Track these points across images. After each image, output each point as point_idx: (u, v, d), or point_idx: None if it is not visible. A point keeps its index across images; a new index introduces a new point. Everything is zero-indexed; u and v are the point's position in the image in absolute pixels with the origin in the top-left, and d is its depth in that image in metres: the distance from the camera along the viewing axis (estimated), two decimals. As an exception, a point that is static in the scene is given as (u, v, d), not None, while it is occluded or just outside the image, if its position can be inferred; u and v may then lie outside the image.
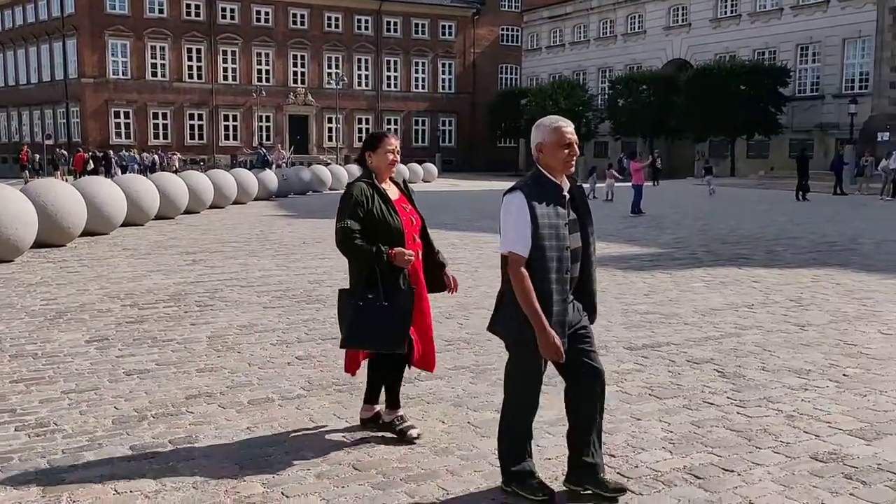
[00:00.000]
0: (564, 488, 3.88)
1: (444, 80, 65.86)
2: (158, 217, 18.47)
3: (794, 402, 5.31)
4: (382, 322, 4.36)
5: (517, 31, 67.92)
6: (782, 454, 4.40)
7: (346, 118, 60.42)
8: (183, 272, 10.91)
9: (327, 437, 4.69)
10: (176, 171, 31.05)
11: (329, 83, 58.39)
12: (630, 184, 22.55)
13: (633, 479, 4.07)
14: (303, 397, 5.42)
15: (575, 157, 3.65)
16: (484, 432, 4.72)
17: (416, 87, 64.74)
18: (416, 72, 64.59)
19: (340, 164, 42.31)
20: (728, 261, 12.08)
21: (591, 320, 3.85)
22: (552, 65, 64.17)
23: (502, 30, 67.32)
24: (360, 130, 62.25)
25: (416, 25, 63.74)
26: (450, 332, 7.29)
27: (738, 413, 5.10)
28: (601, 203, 25.56)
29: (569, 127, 3.69)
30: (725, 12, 51.15)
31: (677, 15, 54.35)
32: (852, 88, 43.68)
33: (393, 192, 4.64)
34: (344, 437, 4.68)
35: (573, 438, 3.85)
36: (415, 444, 4.53)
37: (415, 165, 44.19)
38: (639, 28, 57.20)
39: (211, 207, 22.45)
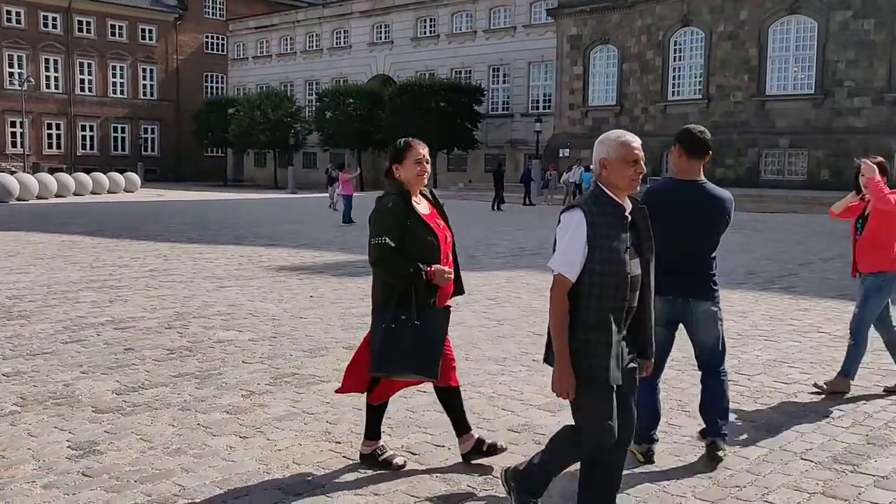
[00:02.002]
0: None
1: (145, 85, 63.06)
2: None
3: (493, 385, 6.04)
4: (415, 344, 4.06)
5: (223, 39, 66.68)
6: (484, 428, 5.03)
7: (32, 122, 55.68)
8: None
9: (49, 448, 4.60)
10: None
11: (12, 83, 53.53)
12: (340, 193, 23.26)
13: (358, 459, 4.48)
14: (17, 413, 5.23)
15: (642, 175, 3.37)
16: (214, 431, 4.90)
17: (115, 91, 61.38)
18: (115, 76, 61.24)
19: (29, 172, 38.94)
20: (434, 266, 13.01)
21: (647, 355, 3.57)
22: (259, 75, 63.79)
23: (206, 37, 65.75)
24: (49, 136, 57.78)
25: (113, 27, 60.44)
26: (170, 342, 7.28)
27: (446, 398, 5.71)
28: (331, 212, 26.05)
29: (636, 142, 3.40)
30: (425, 32, 54.02)
31: (381, 32, 56.45)
32: (538, 108, 48.09)
33: (424, 207, 4.32)
34: (70, 446, 4.63)
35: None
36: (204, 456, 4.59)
37: (115, 175, 41.90)
38: (344, 43, 58.63)
39: None
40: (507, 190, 31.62)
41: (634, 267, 3.35)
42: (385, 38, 56.17)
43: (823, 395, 5.86)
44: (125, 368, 6.34)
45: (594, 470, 3.50)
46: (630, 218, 3.37)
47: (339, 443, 4.75)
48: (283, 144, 56.45)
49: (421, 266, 4.08)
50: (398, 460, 4.39)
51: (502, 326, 8.28)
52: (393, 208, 4.14)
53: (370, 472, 4.31)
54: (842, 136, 31.46)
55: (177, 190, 45.23)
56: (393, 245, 4.07)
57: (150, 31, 62.46)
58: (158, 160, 62.67)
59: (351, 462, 4.45)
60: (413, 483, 4.21)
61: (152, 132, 63.62)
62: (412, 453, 4.61)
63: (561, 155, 39.27)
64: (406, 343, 4.04)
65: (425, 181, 4.29)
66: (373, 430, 4.46)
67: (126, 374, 6.16)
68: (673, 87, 37.17)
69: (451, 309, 4.36)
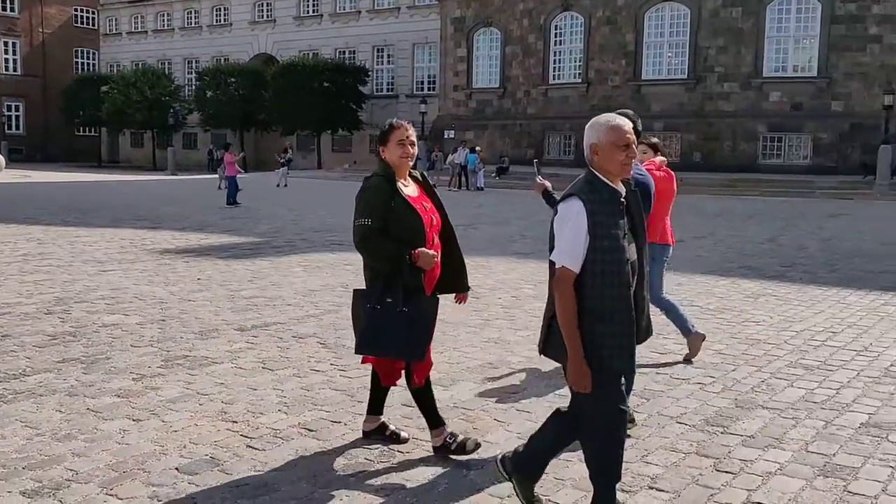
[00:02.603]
0: None
1: (7, 60, 59.71)
2: None
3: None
4: (400, 329, 4.02)
5: (93, 13, 63.80)
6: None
7: None
8: None
9: (-71, 439, 4.44)
10: None
11: None
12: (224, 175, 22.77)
13: (256, 438, 4.52)
14: None
15: (633, 159, 3.35)
16: (105, 416, 4.82)
17: (-25, 66, 57.89)
18: (-26, 49, 57.74)
19: None
20: (322, 247, 12.97)
21: (644, 338, 3.54)
22: (135, 52, 61.47)
23: (76, 10, 62.84)
24: None
25: (-28, -3, 56.94)
26: (52, 328, 7.06)
27: (340, 376, 5.77)
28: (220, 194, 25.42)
29: (627, 125, 3.31)
30: (308, 11, 53.28)
31: (262, 10, 55.32)
32: (423, 89, 48.26)
33: (412, 189, 4.25)
34: (-50, 436, 4.48)
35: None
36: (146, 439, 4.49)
37: (-24, 155, 39.59)
38: (224, 20, 57.16)
39: None
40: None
41: (631, 252, 3.32)
42: (267, 16, 55.07)
43: (691, 362, 6.26)
44: (3, 356, 6.12)
45: (607, 448, 3.38)
46: (625, 202, 3.33)
47: (236, 422, 4.76)
48: (161, 124, 54.64)
49: (405, 249, 4.01)
50: (404, 434, 4.51)
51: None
52: (377, 189, 4.08)
53: (267, 449, 4.36)
54: (713, 119, 32.98)
55: (46, 171, 43.11)
56: (377, 226, 4.01)
57: (12, 1, 59.14)
58: (24, 139, 59.65)
59: (249, 440, 4.48)
60: (310, 459, 4.28)
61: (16, 109, 60.44)
62: (309, 430, 4.67)
63: (446, 136, 39.59)
64: (392, 327, 4.00)
65: (411, 163, 4.23)
66: (376, 406, 4.54)
67: (4, 362, 5.95)
68: (554, 71, 38.00)
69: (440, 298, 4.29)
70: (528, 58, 38.61)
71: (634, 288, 3.33)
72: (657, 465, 4.25)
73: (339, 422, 4.82)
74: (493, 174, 33.44)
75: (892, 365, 6.26)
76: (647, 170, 5.79)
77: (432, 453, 4.34)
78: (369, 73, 48.87)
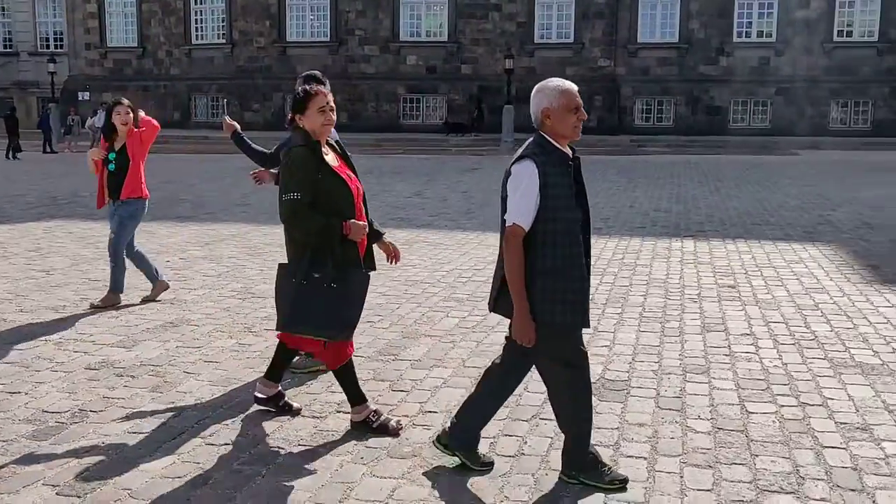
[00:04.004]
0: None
1: None
2: None
3: (61, 332, 5.98)
4: (329, 305, 3.82)
5: None
6: (60, 371, 5.08)
7: None
8: None
9: None
10: None
11: None
12: None
13: (-72, 418, 4.28)
14: None
15: (583, 121, 3.44)
16: None
17: None
18: None
19: None
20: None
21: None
22: None
23: None
24: None
25: None
26: None
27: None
28: None
29: (575, 88, 3.42)
30: None
31: None
32: (48, 47, 44.13)
33: (332, 158, 4.01)
34: None
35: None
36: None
37: None
38: None
39: None
40: (22, 137, 28.92)
41: (578, 212, 3.45)
42: None
43: (154, 301, 6.91)
44: None
45: (576, 384, 3.56)
46: (573, 164, 3.45)
47: None
48: None
49: (336, 221, 3.87)
50: (393, 423, 4.19)
51: (53, 276, 8.03)
52: (302, 161, 3.87)
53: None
54: (356, 81, 34.33)
55: None
56: (307, 200, 3.83)
57: None
58: None
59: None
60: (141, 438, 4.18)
61: None
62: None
63: (81, 98, 36.76)
64: (320, 304, 3.85)
65: (331, 130, 4.09)
66: (355, 394, 4.23)
67: None
68: (197, 31, 36.94)
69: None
70: (168, 16, 37.08)
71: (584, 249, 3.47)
72: (342, 393, 4.72)
73: (20, 392, 4.70)
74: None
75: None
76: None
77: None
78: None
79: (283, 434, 4.18)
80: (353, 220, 3.94)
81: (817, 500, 3.52)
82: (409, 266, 8.48)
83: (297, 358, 5.12)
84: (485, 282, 7.77)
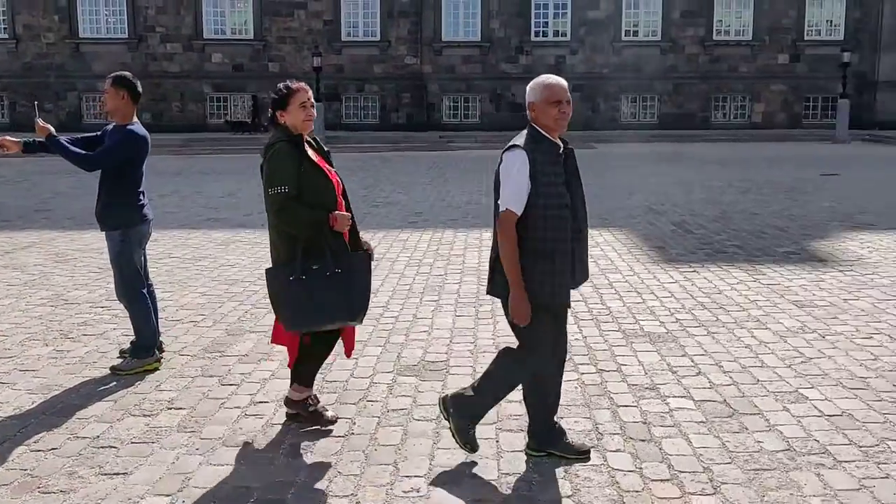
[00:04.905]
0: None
1: None
2: None
3: None
4: (338, 292, 3.88)
5: None
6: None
7: None
8: None
9: None
10: None
11: None
12: None
13: None
14: None
15: (568, 115, 3.62)
16: None
17: None
18: None
19: None
20: None
21: (582, 280, 3.84)
22: None
23: None
24: None
25: None
26: None
27: None
28: None
29: (560, 83, 3.62)
30: None
31: None
32: None
33: (312, 153, 4.06)
34: None
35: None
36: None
37: None
38: None
39: None
40: None
41: (568, 199, 3.66)
42: None
43: None
44: None
45: (542, 382, 3.86)
46: (564, 155, 3.70)
47: None
48: None
49: (323, 213, 3.95)
50: (329, 414, 4.25)
51: None
52: (286, 155, 3.93)
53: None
54: (158, 79, 33.08)
55: None
56: (294, 194, 3.89)
57: None
58: None
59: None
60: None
61: None
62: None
63: None
64: (328, 293, 3.89)
65: (312, 126, 4.09)
66: (306, 376, 4.24)
67: None
68: (-24, 25, 34.20)
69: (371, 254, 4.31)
70: (-58, 9, 34.10)
71: (572, 234, 3.67)
72: (171, 391, 4.81)
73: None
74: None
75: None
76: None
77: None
78: None
79: (114, 433, 4.21)
80: (337, 212, 4.05)
81: (613, 451, 4.01)
82: (227, 265, 8.50)
83: (121, 361, 5.14)
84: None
